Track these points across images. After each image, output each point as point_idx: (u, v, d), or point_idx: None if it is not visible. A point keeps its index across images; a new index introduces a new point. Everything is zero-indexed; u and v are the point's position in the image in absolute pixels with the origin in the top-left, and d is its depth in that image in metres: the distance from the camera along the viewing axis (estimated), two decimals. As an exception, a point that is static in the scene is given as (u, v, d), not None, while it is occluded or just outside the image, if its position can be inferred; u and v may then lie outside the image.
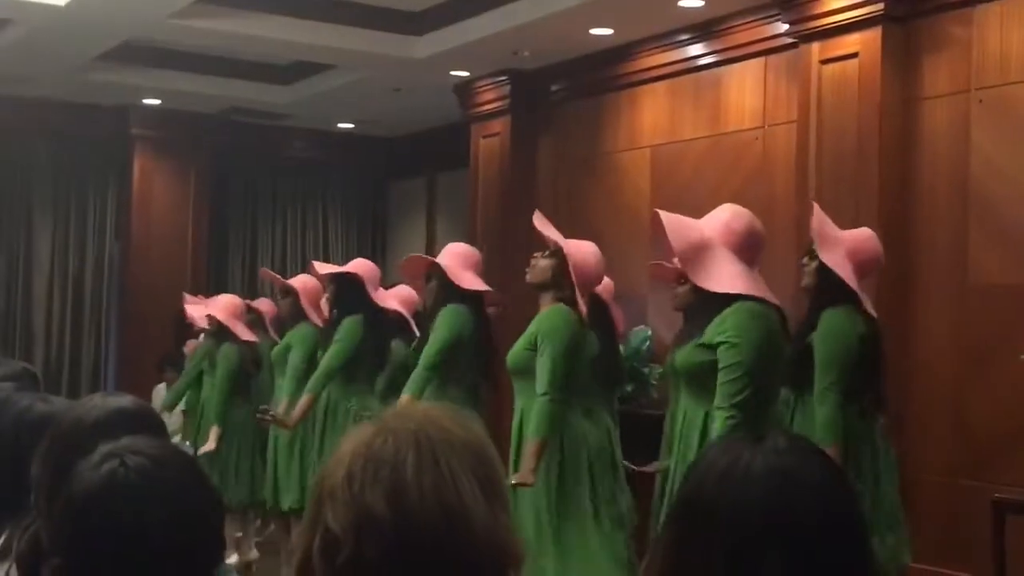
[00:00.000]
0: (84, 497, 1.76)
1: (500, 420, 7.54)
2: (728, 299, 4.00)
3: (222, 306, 7.34)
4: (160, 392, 9.39)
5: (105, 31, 8.48)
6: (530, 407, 4.64)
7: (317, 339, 6.26)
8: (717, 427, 3.85)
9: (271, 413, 6.11)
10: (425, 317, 5.65)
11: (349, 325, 5.97)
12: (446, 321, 5.28)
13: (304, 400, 5.96)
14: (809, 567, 1.36)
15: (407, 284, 6.23)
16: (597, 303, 5.14)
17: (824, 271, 4.53)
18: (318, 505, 1.41)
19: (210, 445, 6.91)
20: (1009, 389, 5.98)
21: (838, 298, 4.52)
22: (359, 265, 6.26)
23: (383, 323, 6.19)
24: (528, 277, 4.86)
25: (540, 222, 4.94)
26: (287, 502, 6.25)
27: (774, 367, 4.08)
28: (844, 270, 4.48)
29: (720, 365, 3.90)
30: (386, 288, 6.61)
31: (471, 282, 5.43)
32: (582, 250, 4.87)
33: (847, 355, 4.42)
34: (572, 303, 4.73)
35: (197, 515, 1.82)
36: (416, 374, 5.26)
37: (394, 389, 6.61)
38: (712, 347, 3.95)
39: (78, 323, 11.09)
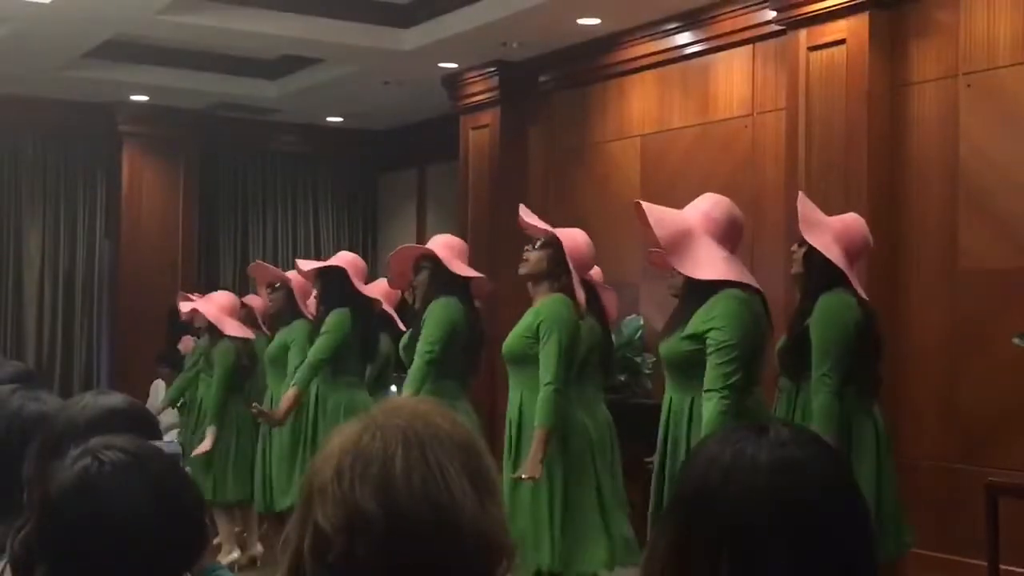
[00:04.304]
0: (58, 495, 1.76)
1: (495, 406, 7.56)
2: (713, 286, 4.01)
3: (214, 304, 7.33)
4: (158, 388, 9.37)
5: (92, 28, 8.46)
6: (530, 397, 4.65)
7: (310, 335, 6.18)
8: (710, 408, 3.85)
9: (257, 408, 6.07)
10: (411, 309, 5.57)
11: (335, 318, 5.91)
12: (439, 314, 5.18)
13: (290, 393, 5.87)
14: (814, 559, 1.37)
15: (392, 278, 5.92)
16: (589, 290, 5.11)
17: (813, 257, 4.50)
18: (308, 503, 1.41)
19: (206, 446, 6.85)
20: (1000, 373, 5.99)
21: (831, 283, 4.49)
22: (342, 258, 6.19)
23: (371, 314, 6.16)
24: (522, 270, 4.82)
25: (526, 214, 4.91)
26: (286, 503, 6.06)
27: (760, 351, 4.11)
28: (833, 252, 4.43)
29: (711, 349, 3.91)
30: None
31: (464, 270, 5.37)
32: (574, 238, 4.87)
33: (844, 341, 4.34)
34: (570, 292, 4.73)
35: (177, 509, 1.81)
36: (415, 369, 5.14)
37: (381, 382, 6.59)
38: (698, 337, 3.95)
39: (69, 320, 11.07)
